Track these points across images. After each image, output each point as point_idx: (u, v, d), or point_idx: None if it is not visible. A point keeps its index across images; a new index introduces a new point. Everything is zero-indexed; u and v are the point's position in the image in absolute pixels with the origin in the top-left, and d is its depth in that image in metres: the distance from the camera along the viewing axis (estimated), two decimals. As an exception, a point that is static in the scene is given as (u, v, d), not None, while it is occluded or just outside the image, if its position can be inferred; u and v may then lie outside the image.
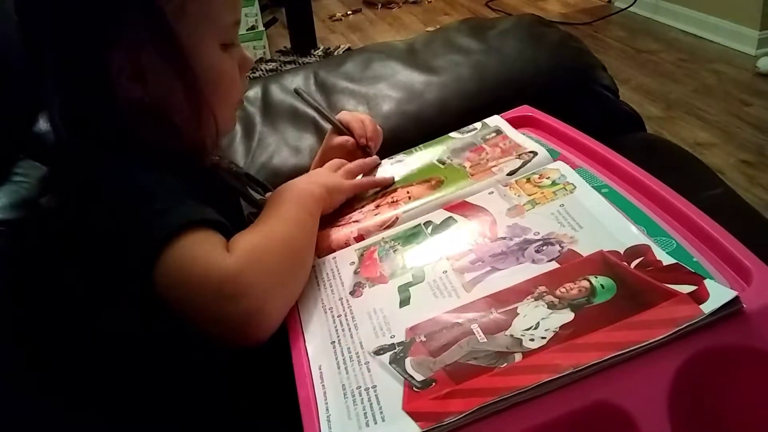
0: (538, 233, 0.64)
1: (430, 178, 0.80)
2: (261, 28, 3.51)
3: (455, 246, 0.67)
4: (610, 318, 0.51)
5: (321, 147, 0.96)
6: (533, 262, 0.61)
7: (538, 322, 0.53)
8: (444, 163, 0.84)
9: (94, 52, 0.65)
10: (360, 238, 0.73)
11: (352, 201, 0.82)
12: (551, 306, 0.54)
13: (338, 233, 0.75)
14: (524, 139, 0.82)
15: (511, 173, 0.76)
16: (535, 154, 0.77)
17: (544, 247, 0.62)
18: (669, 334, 0.49)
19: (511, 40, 1.30)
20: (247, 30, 3.45)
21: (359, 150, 0.91)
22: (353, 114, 0.96)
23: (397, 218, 0.74)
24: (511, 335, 0.53)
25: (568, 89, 1.22)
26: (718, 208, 0.68)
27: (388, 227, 0.74)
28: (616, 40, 3.19)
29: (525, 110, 0.89)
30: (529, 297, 0.56)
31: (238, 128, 1.21)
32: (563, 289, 0.56)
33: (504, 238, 0.66)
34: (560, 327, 0.52)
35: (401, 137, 1.10)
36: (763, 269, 0.55)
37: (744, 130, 2.30)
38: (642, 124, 1.30)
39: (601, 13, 3.50)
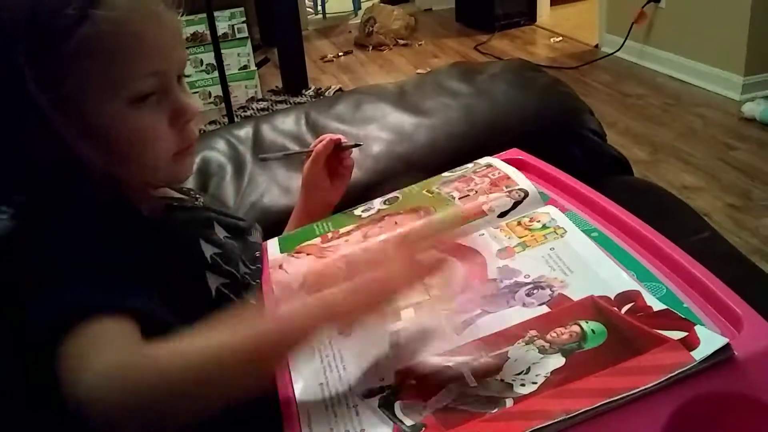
0: (529, 276, 0.64)
1: (419, 207, 0.79)
2: (253, 67, 3.55)
3: (446, 286, 0.65)
4: (601, 363, 0.51)
5: (301, 182, 0.96)
6: (524, 305, 0.60)
7: (529, 367, 0.53)
8: (432, 192, 0.83)
9: None
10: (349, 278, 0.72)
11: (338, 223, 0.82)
12: (542, 350, 0.54)
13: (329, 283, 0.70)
14: (514, 172, 0.81)
15: (502, 215, 0.75)
16: (525, 194, 0.77)
17: (535, 291, 0.62)
18: (661, 381, 0.48)
19: (500, 83, 1.32)
20: (239, 69, 3.49)
21: (338, 154, 0.92)
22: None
23: None
24: (502, 380, 0.52)
25: (556, 133, 1.23)
26: (706, 253, 0.68)
27: None
28: (602, 84, 3.24)
29: (515, 153, 0.89)
30: (520, 341, 0.56)
31: (229, 168, 1.21)
32: (554, 334, 0.55)
33: (494, 280, 0.65)
34: (551, 372, 0.52)
35: (391, 178, 1.11)
36: (753, 316, 0.55)
37: (730, 174, 2.32)
38: (629, 167, 1.31)
39: (588, 58, 3.57)
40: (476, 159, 0.90)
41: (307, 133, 1.27)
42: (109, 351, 0.53)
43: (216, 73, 2.77)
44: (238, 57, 3.49)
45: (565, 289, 0.61)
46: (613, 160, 1.28)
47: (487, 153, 0.91)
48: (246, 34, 3.52)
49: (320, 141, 0.93)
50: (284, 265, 0.74)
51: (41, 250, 0.59)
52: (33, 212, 0.63)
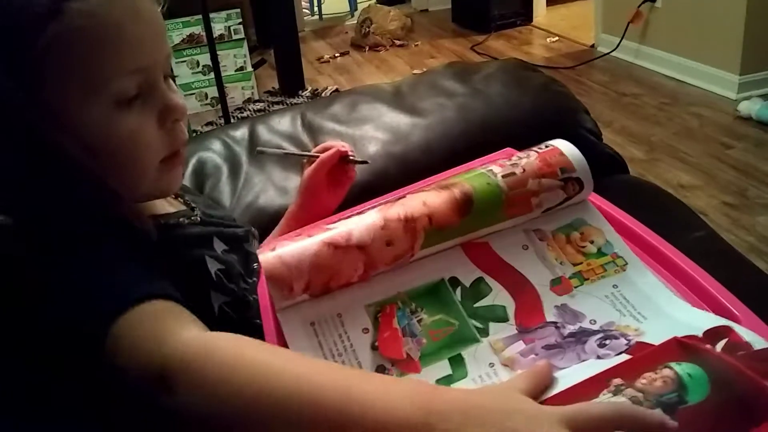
0: (595, 321, 0.56)
1: (451, 183, 0.64)
2: (249, 69, 3.54)
3: (495, 325, 0.57)
4: (717, 427, 0.44)
5: (299, 185, 0.92)
6: (598, 357, 0.52)
7: None
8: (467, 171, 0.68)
9: None
10: (365, 275, 0.59)
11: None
12: (636, 403, 0.46)
13: (338, 259, 0.58)
14: (566, 146, 0.67)
15: (546, 210, 0.64)
16: (581, 186, 0.64)
17: (608, 341, 0.54)
18: None
19: (496, 83, 1.32)
20: (235, 71, 3.49)
21: (342, 165, 0.89)
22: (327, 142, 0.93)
23: (412, 254, 0.60)
24: None
25: (552, 132, 1.22)
26: (702, 251, 0.68)
27: (401, 261, 0.60)
28: (599, 83, 3.24)
29: (509, 152, 0.89)
30: (605, 392, 0.47)
31: (225, 168, 1.21)
32: (644, 381, 0.47)
33: (555, 325, 0.56)
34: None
35: (387, 178, 1.11)
36: (750, 316, 0.54)
37: (726, 173, 2.33)
38: (625, 166, 1.31)
39: (584, 58, 3.57)
40: (472, 159, 0.87)
41: (303, 134, 1.27)
42: (186, 324, 0.51)
43: (212, 75, 2.77)
44: (234, 58, 3.49)
45: (642, 337, 0.53)
46: (609, 159, 1.28)
47: (482, 153, 0.90)
48: (242, 36, 3.51)
49: (324, 148, 0.90)
50: (278, 248, 0.59)
51: (58, 250, 0.57)
52: (36, 222, 0.59)
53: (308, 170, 0.90)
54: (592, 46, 3.73)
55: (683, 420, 0.44)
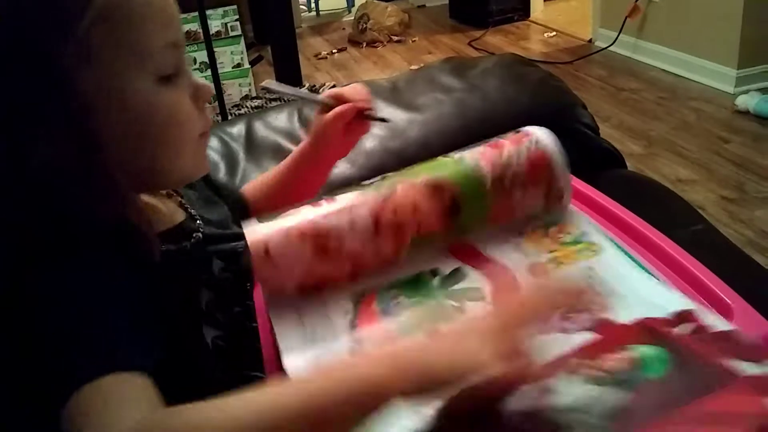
0: None
1: (441, 182, 0.64)
2: (247, 65, 3.54)
3: (472, 304, 0.59)
4: (672, 402, 0.46)
5: (310, 132, 0.87)
6: (562, 331, 0.53)
7: (587, 403, 0.46)
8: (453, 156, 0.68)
9: None
10: (354, 276, 0.62)
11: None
12: (593, 379, 0.47)
13: (328, 267, 0.61)
14: (554, 153, 0.67)
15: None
16: (560, 200, 0.67)
17: (572, 314, 0.54)
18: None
19: (493, 79, 1.31)
20: (233, 67, 3.48)
21: (359, 119, 0.84)
22: (344, 87, 0.87)
23: (397, 260, 0.63)
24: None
25: (549, 127, 1.22)
26: (700, 245, 0.69)
27: (385, 265, 0.63)
28: (596, 78, 3.24)
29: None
30: (562, 372, 0.49)
31: (222, 165, 1.21)
32: (600, 360, 0.49)
33: None
34: (611, 408, 0.45)
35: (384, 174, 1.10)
36: (742, 305, 0.55)
37: (724, 167, 2.33)
38: (622, 161, 1.31)
39: (582, 53, 3.57)
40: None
41: (300, 129, 1.27)
42: (132, 410, 0.50)
43: (209, 72, 2.76)
44: (231, 55, 3.49)
45: (606, 312, 0.54)
46: (606, 153, 1.28)
47: (479, 148, 0.91)
48: (239, 32, 3.51)
49: (336, 96, 0.85)
50: (270, 250, 0.61)
51: (44, 298, 0.54)
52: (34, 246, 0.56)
53: (324, 119, 0.85)
54: (590, 40, 3.72)
55: (643, 394, 0.46)
